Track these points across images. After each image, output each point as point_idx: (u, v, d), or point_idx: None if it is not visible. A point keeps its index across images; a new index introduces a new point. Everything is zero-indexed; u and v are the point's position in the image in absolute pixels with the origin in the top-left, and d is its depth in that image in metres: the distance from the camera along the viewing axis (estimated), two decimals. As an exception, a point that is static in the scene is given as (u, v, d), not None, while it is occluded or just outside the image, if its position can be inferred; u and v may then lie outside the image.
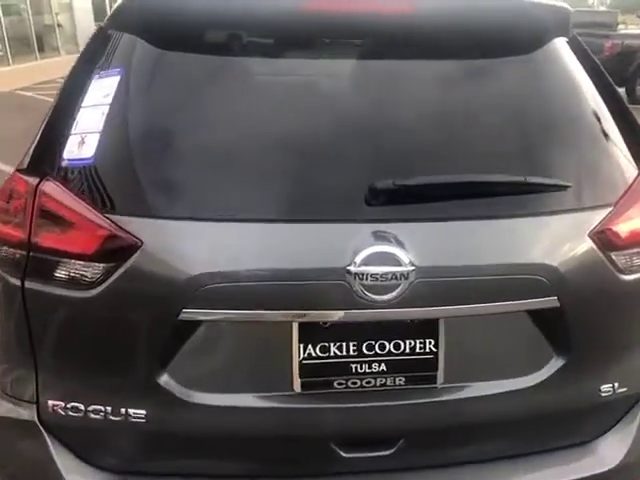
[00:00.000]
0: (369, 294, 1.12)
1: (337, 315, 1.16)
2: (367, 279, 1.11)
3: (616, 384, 1.35)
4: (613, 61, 11.36)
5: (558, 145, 1.30)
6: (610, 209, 1.26)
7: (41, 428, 1.24)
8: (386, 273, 1.11)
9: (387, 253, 1.12)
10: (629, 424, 1.40)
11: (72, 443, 1.26)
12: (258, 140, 1.21)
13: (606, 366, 1.34)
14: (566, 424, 1.37)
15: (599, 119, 1.35)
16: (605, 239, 1.24)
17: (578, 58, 1.41)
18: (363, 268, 1.11)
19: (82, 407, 1.22)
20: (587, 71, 1.40)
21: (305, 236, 1.16)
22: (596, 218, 1.24)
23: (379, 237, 1.14)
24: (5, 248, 1.20)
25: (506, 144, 1.28)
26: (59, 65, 14.34)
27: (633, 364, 1.38)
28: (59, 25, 16.27)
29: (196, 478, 1.27)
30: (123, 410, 1.21)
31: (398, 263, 1.12)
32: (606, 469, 1.35)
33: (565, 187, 1.23)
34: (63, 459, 1.24)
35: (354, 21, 1.27)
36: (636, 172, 1.33)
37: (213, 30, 1.27)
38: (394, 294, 1.13)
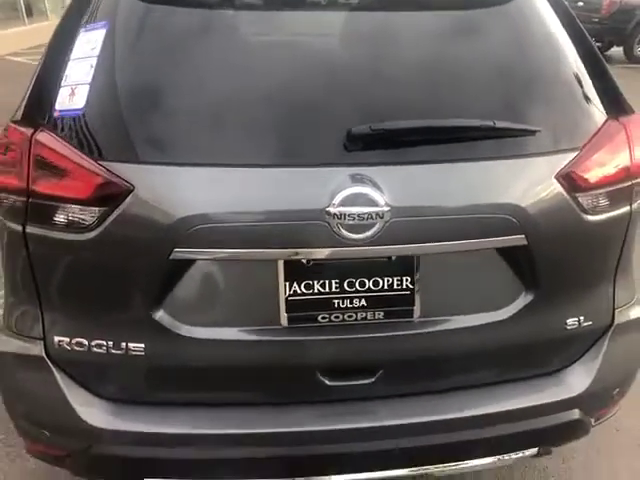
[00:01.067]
0: (347, 233, 1.21)
1: (318, 253, 1.24)
2: (345, 219, 1.19)
3: (581, 318, 1.45)
4: (611, 19, 11.25)
5: (528, 91, 1.36)
6: (577, 153, 1.33)
7: (49, 362, 1.35)
8: (362, 213, 1.19)
9: (363, 194, 1.20)
10: (595, 355, 1.50)
11: (78, 375, 1.36)
12: (242, 90, 1.27)
13: (572, 301, 1.44)
14: (536, 355, 1.47)
15: (570, 67, 1.41)
16: (571, 181, 1.32)
17: (553, 8, 1.45)
18: (341, 209, 1.19)
19: (86, 342, 1.32)
20: (561, 21, 1.45)
21: (288, 179, 1.23)
22: (563, 161, 1.31)
23: (356, 180, 1.21)
24: (5, 196, 1.28)
25: (478, 91, 1.34)
26: (48, 29, 14.06)
27: (597, 300, 1.48)
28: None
29: (191, 407, 1.38)
30: (123, 344, 1.30)
31: (374, 203, 1.20)
32: (573, 395, 1.46)
33: (534, 131, 1.29)
34: (70, 390, 1.35)
35: None
36: (604, 118, 1.39)
37: None
38: (370, 233, 1.21)
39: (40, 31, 13.41)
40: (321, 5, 1.36)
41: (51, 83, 1.29)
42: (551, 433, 1.51)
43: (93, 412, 1.35)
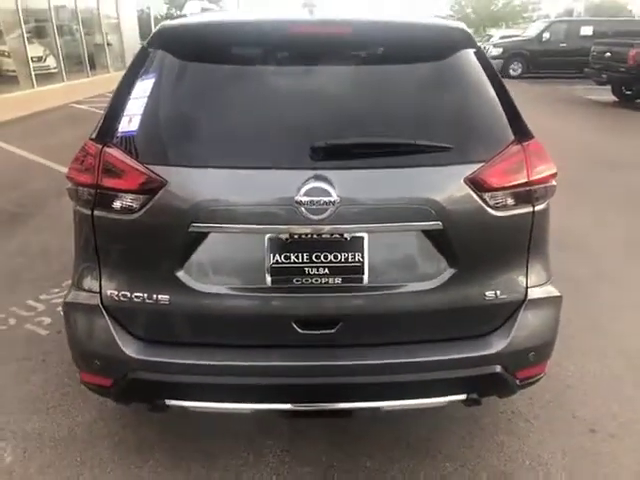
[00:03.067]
0: (309, 215, 1.73)
1: (290, 229, 1.76)
2: (308, 205, 1.72)
3: (498, 292, 1.90)
4: (638, 69, 11.53)
5: (450, 119, 1.87)
6: (483, 163, 1.82)
7: (103, 310, 1.89)
8: (319, 201, 1.72)
9: (320, 188, 1.73)
10: (511, 323, 1.94)
11: (122, 319, 1.90)
12: (243, 118, 1.83)
13: (488, 277, 1.89)
14: (464, 319, 1.92)
15: (487, 103, 1.91)
16: (476, 183, 1.80)
17: (480, 62, 1.97)
18: (305, 197, 1.72)
19: (128, 294, 1.86)
20: (485, 70, 1.96)
21: (270, 178, 1.77)
22: (471, 169, 1.81)
23: (316, 178, 1.74)
24: (81, 189, 1.86)
25: (410, 118, 1.86)
26: (108, 80, 15.41)
27: (511, 278, 1.93)
28: (108, 44, 17.40)
29: (203, 346, 1.88)
30: (154, 296, 1.84)
31: (328, 194, 1.72)
32: (493, 352, 1.90)
33: (448, 148, 1.80)
34: (116, 329, 1.88)
35: (310, 40, 1.90)
36: (510, 140, 1.88)
37: (217, 47, 1.91)
38: (325, 215, 1.73)
39: (101, 82, 14.78)
40: (302, 59, 1.93)
41: (117, 114, 1.89)
42: (476, 383, 1.94)
43: (130, 346, 1.87)
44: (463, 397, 1.95)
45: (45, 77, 12.99)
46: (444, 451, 2.38)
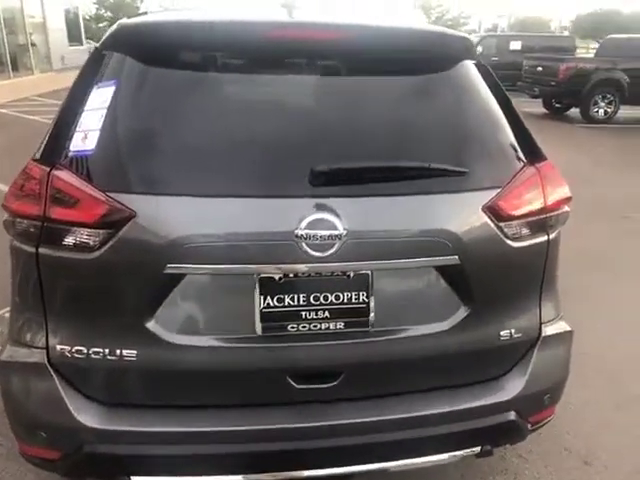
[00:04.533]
0: (311, 251, 1.46)
1: (288, 269, 1.49)
2: (310, 239, 1.45)
3: (512, 330, 1.71)
4: (568, 83, 12.05)
5: (462, 141, 1.67)
6: (499, 190, 1.63)
7: (50, 369, 1.53)
8: (323, 235, 1.45)
9: (325, 220, 1.47)
10: (526, 364, 1.76)
11: (75, 380, 1.55)
12: (224, 136, 1.54)
13: (503, 316, 1.70)
14: (476, 362, 1.72)
15: (496, 122, 1.73)
16: (494, 212, 1.61)
17: (482, 75, 1.79)
18: (306, 231, 1.45)
19: (84, 350, 1.52)
20: (489, 86, 1.78)
21: (263, 208, 1.49)
22: (488, 196, 1.61)
23: (319, 208, 1.48)
24: (21, 221, 1.50)
25: (420, 139, 1.64)
26: (33, 83, 14.51)
27: (525, 315, 1.75)
28: (33, 44, 16.45)
29: (178, 409, 1.57)
30: (118, 351, 1.51)
31: (333, 227, 1.46)
32: (508, 398, 1.70)
33: (463, 172, 1.59)
34: (68, 393, 1.53)
35: (298, 45, 1.63)
36: (523, 163, 1.71)
37: (183, 51, 1.60)
38: (331, 251, 1.47)
39: (25, 84, 13.84)
40: (293, 68, 1.65)
41: (67, 129, 1.55)
42: (491, 433, 1.74)
43: (87, 414, 1.53)
44: (477, 450, 1.75)
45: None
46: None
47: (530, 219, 1.66)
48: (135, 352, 1.51)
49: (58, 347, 1.53)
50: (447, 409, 1.65)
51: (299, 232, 1.45)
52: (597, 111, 11.86)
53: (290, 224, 1.46)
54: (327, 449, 1.60)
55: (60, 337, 1.54)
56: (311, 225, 1.46)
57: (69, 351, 1.52)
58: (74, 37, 20.34)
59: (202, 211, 1.48)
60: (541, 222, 1.68)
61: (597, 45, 15.32)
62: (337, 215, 1.48)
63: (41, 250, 1.49)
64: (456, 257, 1.57)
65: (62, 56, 17.71)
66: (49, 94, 13.82)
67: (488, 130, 1.71)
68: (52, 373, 1.54)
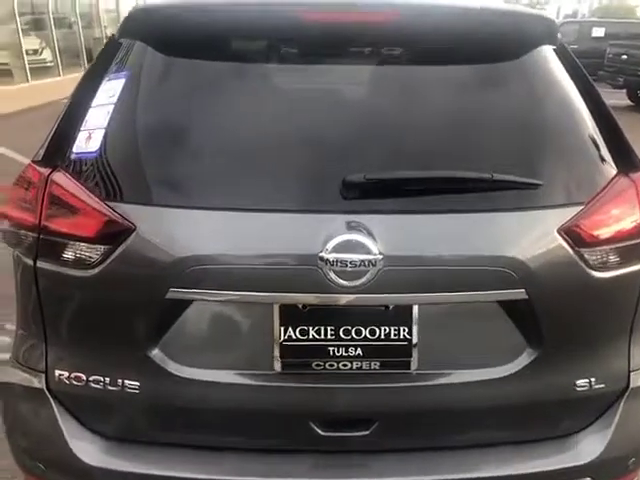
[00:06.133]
0: (339, 279, 1.20)
1: (311, 299, 1.24)
2: (337, 265, 1.19)
3: (592, 380, 1.37)
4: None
5: (534, 144, 1.36)
6: (581, 207, 1.30)
7: (48, 395, 1.37)
8: (354, 260, 1.19)
9: (356, 241, 1.20)
10: (608, 421, 1.41)
11: (75, 409, 1.38)
12: (242, 138, 1.31)
13: (581, 361, 1.37)
14: (542, 417, 1.40)
15: (578, 121, 1.39)
16: (574, 236, 1.28)
17: (564, 64, 1.45)
18: (333, 255, 1.19)
19: (84, 377, 1.34)
20: (572, 77, 1.44)
21: (283, 225, 1.25)
22: (566, 215, 1.29)
23: (350, 227, 1.22)
24: (21, 231, 1.34)
25: (481, 142, 1.34)
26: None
27: (610, 360, 1.41)
28: (107, 38, 17.03)
29: (182, 449, 1.36)
30: (119, 381, 1.32)
31: (367, 251, 1.20)
32: (583, 463, 1.37)
33: (536, 185, 1.27)
34: (67, 424, 1.36)
35: (343, 30, 1.36)
36: (613, 173, 1.37)
37: (207, 38, 1.38)
38: (363, 280, 1.20)
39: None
40: (329, 59, 1.40)
41: (72, 127, 1.37)
42: None
43: (87, 449, 1.35)
44: None
45: (40, 70, 12.50)
46: None
47: (620, 244, 1.32)
48: (138, 383, 1.32)
49: (57, 372, 1.36)
50: (502, 473, 1.35)
51: (324, 256, 1.20)
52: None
53: (314, 246, 1.21)
54: None
55: (59, 361, 1.37)
56: (339, 248, 1.20)
57: (67, 377, 1.35)
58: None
59: (213, 227, 1.25)
60: (634, 248, 1.34)
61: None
62: (372, 236, 1.21)
63: (39, 264, 1.32)
64: (523, 291, 1.26)
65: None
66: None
67: (570, 132, 1.38)
68: (51, 400, 1.37)
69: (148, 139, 1.32)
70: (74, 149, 1.34)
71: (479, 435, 1.40)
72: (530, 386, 1.34)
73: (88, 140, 1.33)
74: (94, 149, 1.31)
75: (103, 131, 1.32)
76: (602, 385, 1.39)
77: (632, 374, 1.42)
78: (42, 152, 1.39)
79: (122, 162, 1.31)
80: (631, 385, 1.42)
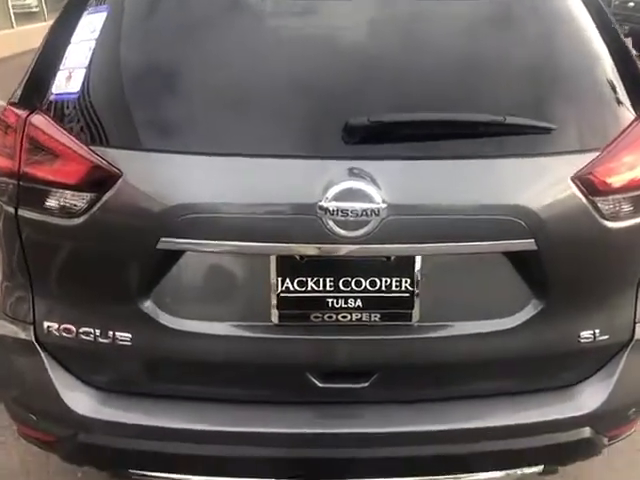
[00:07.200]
0: (339, 229, 1.14)
1: (310, 249, 1.19)
2: (338, 214, 1.13)
3: (597, 331, 1.34)
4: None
5: (548, 86, 1.27)
6: (597, 154, 1.23)
7: (38, 347, 1.33)
8: (356, 209, 1.12)
9: (358, 189, 1.13)
10: (610, 372, 1.39)
11: (66, 362, 1.34)
12: (235, 76, 1.22)
13: (586, 313, 1.34)
14: (545, 368, 1.38)
15: (596, 63, 1.30)
16: (589, 184, 1.21)
17: (583, 1, 1.35)
18: (334, 204, 1.13)
19: (73, 329, 1.30)
20: (591, 15, 1.33)
21: (281, 171, 1.18)
22: (581, 162, 1.21)
23: (351, 174, 1.14)
24: (1, 178, 1.26)
25: (491, 83, 1.25)
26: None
27: (615, 312, 1.37)
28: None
29: (176, 400, 1.34)
30: (110, 333, 1.28)
31: (369, 199, 1.13)
32: (585, 412, 1.36)
33: (549, 129, 1.20)
34: (58, 375, 1.33)
35: None
36: (631, 118, 1.28)
37: None
38: (365, 230, 1.14)
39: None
40: None
41: (50, 66, 1.27)
42: (559, 451, 1.41)
43: (79, 400, 1.33)
44: (539, 469, 1.43)
45: (25, 16, 12.02)
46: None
47: (635, 193, 1.26)
48: (130, 335, 1.28)
49: (45, 324, 1.32)
50: (505, 422, 1.33)
51: (324, 204, 1.13)
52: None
53: (313, 194, 1.14)
54: (352, 460, 1.34)
55: (47, 313, 1.32)
56: (340, 196, 1.13)
57: (57, 329, 1.31)
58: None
59: (205, 173, 1.18)
60: None
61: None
62: (375, 183, 1.14)
63: (20, 212, 1.25)
64: (532, 241, 1.20)
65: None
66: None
67: (586, 73, 1.29)
68: (40, 352, 1.33)
69: (134, 78, 1.23)
70: (53, 90, 1.24)
71: (480, 386, 1.37)
72: (534, 338, 1.31)
73: (68, 80, 1.23)
74: (75, 90, 1.22)
75: (84, 70, 1.22)
76: (606, 336, 1.36)
77: (638, 325, 1.39)
78: (19, 93, 1.30)
79: (106, 103, 1.22)
80: (636, 336, 1.39)
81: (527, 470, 1.43)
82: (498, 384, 1.38)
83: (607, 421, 1.41)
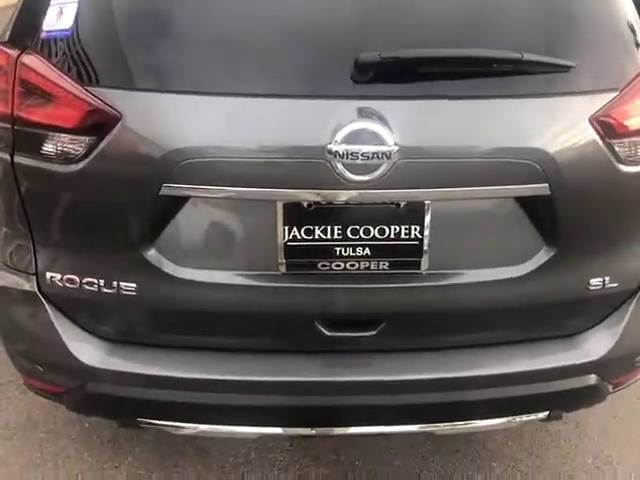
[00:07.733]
0: (350, 174, 1.10)
1: (319, 195, 1.15)
2: (347, 158, 1.09)
3: (606, 279, 1.33)
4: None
5: (566, 22, 1.21)
6: (615, 94, 1.18)
7: (41, 297, 1.31)
8: (367, 152, 1.08)
9: (369, 131, 1.09)
10: (618, 320, 1.39)
11: (71, 313, 1.33)
12: (238, 11, 1.15)
13: (596, 260, 1.32)
14: (554, 315, 1.38)
15: (616, 1, 1.23)
16: (606, 126, 1.17)
17: None
18: (343, 146, 1.08)
19: (77, 279, 1.27)
20: None
21: (286, 112, 1.13)
22: (599, 103, 1.17)
23: (361, 114, 1.10)
24: None
25: (507, 18, 1.19)
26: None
27: (625, 260, 1.35)
28: None
29: (183, 350, 1.34)
30: (114, 283, 1.26)
31: (381, 142, 1.09)
32: (591, 359, 1.36)
33: (568, 67, 1.14)
34: (63, 326, 1.32)
35: None
36: None
37: None
38: (376, 174, 1.10)
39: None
40: None
41: (40, 1, 1.20)
42: (564, 398, 1.43)
43: (86, 350, 1.32)
44: (544, 415, 1.45)
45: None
46: (489, 446, 1.94)
47: None
48: (134, 285, 1.26)
49: (48, 274, 1.30)
50: (510, 370, 1.34)
51: (333, 147, 1.09)
52: None
53: (321, 136, 1.09)
54: (362, 407, 1.34)
55: (50, 263, 1.30)
56: (350, 138, 1.08)
57: (60, 280, 1.29)
58: None
59: (208, 115, 1.12)
60: None
61: None
62: (387, 124, 1.09)
63: (16, 159, 1.20)
64: (546, 185, 1.17)
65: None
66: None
67: (606, 9, 1.22)
68: (44, 303, 1.32)
69: (131, 13, 1.16)
70: (44, 27, 1.17)
71: (489, 335, 1.37)
72: (544, 286, 1.30)
73: (59, 16, 1.16)
74: (67, 26, 1.15)
75: (76, 4, 1.15)
76: (615, 284, 1.35)
77: None
78: (9, 32, 1.23)
79: (102, 40, 1.16)
80: None
81: (533, 417, 1.45)
82: (507, 332, 1.38)
83: (613, 368, 1.42)
